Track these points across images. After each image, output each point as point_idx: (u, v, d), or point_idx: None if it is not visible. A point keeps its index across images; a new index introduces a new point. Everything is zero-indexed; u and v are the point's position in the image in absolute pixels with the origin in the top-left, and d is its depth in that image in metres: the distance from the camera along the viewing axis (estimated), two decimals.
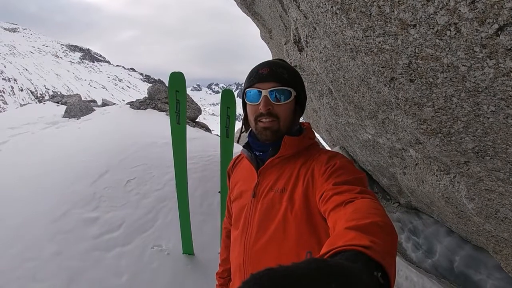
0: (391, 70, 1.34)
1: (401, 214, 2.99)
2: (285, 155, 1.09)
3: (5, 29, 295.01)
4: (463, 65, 1.03)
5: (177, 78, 2.62)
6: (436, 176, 1.87)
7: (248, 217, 1.14)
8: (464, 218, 1.94)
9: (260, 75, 1.09)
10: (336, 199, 0.81)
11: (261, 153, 1.16)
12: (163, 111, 7.82)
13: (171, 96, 2.63)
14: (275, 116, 1.08)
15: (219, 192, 3.01)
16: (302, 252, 1.03)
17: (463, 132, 1.29)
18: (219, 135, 2.92)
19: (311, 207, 0.99)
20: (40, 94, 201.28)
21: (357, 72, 1.72)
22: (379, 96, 1.76)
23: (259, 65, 1.14)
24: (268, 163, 1.11)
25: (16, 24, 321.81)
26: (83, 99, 10.66)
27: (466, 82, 1.08)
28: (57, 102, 10.45)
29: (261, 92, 1.07)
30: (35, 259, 2.77)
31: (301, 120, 1.24)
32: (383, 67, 1.37)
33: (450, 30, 0.98)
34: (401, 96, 1.41)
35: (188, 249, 3.13)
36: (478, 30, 0.90)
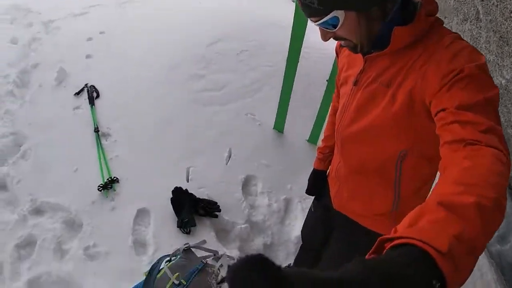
0: None
1: None
2: (395, 48, 0.91)
3: None
4: None
5: None
6: None
7: (346, 104, 1.11)
8: None
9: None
10: (456, 131, 0.69)
11: None
12: None
13: None
14: (343, 38, 0.94)
15: (326, 80, 2.82)
16: (396, 149, 1.01)
17: None
18: None
19: (415, 108, 0.89)
20: None
21: None
22: None
23: None
24: (378, 53, 0.96)
25: None
26: None
27: None
28: None
29: None
30: (139, 97, 3.10)
31: None
32: None
33: None
34: None
35: (279, 126, 3.12)
36: None
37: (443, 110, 0.75)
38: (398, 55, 0.93)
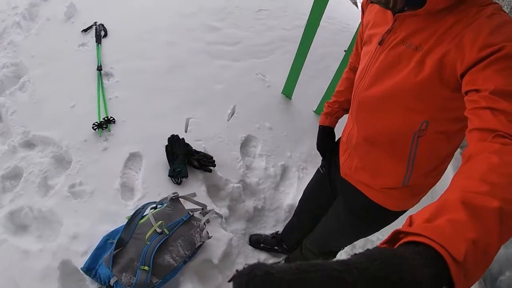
0: None
1: None
2: (431, 9, 0.84)
3: None
4: None
5: None
6: None
7: (368, 65, 1.04)
8: None
9: None
10: (488, 119, 0.64)
11: None
12: None
13: None
14: None
15: (344, 51, 2.65)
16: (415, 120, 0.95)
17: None
18: None
19: (443, 77, 0.83)
20: None
21: None
22: None
23: None
24: (411, 12, 0.88)
25: None
26: None
27: None
28: None
29: None
30: (148, 41, 2.95)
31: None
32: None
33: None
34: None
35: (288, 91, 2.98)
36: None
37: (476, 91, 0.70)
38: (432, 18, 0.85)
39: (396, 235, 0.45)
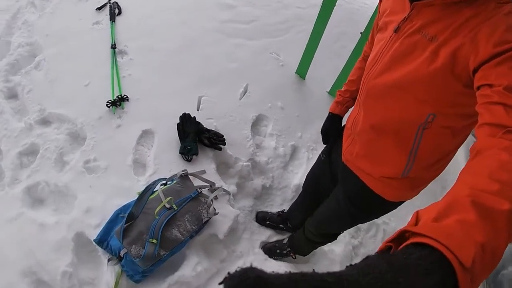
0: None
1: None
2: (448, 0, 0.83)
3: None
4: None
5: None
6: None
7: (381, 52, 1.02)
8: None
9: None
10: (499, 114, 0.63)
11: None
12: None
13: None
14: None
15: (360, 33, 2.61)
16: (423, 112, 0.94)
17: None
18: None
19: (455, 70, 0.82)
20: None
21: None
22: None
23: None
24: (428, 0, 0.87)
25: None
26: None
27: None
28: None
29: None
30: (162, 19, 2.94)
31: None
32: None
33: None
34: None
35: (302, 71, 2.94)
36: None
37: (489, 86, 0.69)
38: (449, 9, 0.84)
39: (402, 234, 0.44)
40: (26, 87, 2.38)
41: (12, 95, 2.40)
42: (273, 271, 0.33)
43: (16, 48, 2.65)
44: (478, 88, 0.72)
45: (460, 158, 3.44)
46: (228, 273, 0.34)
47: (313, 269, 0.35)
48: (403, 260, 0.37)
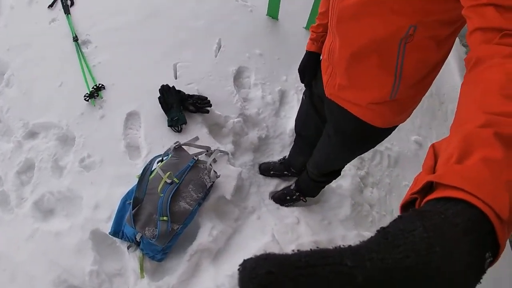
0: None
1: None
2: None
3: None
4: None
5: None
6: None
7: None
8: None
9: None
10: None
11: None
12: None
13: None
14: None
15: None
16: (402, 24, 0.83)
17: None
18: None
19: None
20: None
21: None
22: None
23: None
24: None
25: None
26: None
27: None
28: None
29: None
30: None
31: None
32: None
33: None
34: None
35: (273, 12, 2.76)
36: None
37: (485, 13, 0.57)
38: None
39: (427, 184, 0.38)
40: (3, 107, 2.33)
41: None
42: (293, 250, 0.30)
43: None
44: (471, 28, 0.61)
45: (453, 70, 3.26)
46: (244, 260, 0.30)
47: (335, 246, 0.30)
48: (440, 220, 0.31)
